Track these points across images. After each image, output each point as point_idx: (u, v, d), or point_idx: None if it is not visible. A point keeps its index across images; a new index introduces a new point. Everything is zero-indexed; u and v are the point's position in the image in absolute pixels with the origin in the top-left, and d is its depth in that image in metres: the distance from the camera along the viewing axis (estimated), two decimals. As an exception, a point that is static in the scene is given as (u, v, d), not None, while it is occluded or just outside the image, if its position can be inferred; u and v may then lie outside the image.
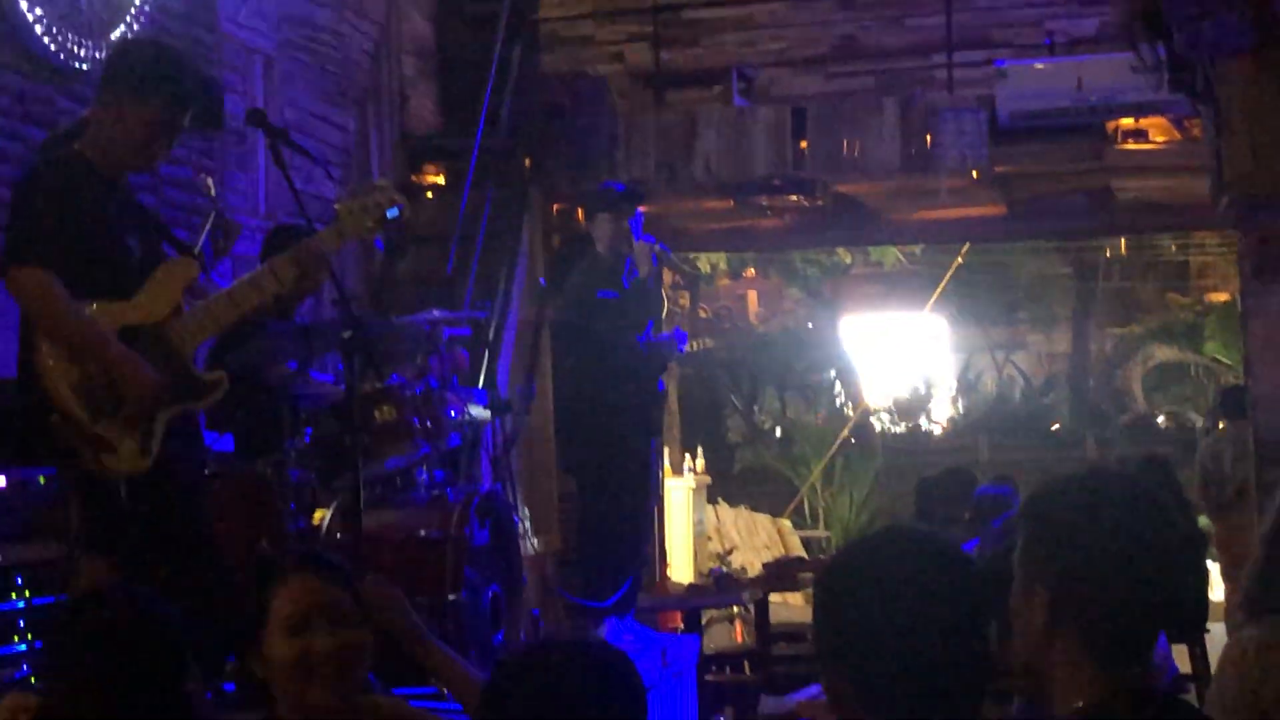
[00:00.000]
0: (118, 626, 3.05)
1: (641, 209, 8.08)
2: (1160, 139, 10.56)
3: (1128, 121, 10.46)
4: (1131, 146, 10.59)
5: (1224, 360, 20.17)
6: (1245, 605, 4.04)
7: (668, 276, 8.30)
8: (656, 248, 7.93)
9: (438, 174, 10.81)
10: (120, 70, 5.04)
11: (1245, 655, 3.87)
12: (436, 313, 7.20)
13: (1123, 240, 20.43)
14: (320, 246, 5.16)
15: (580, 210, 11.56)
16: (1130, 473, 2.84)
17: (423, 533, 6.29)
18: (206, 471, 5.58)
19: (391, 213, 5.43)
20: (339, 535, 6.15)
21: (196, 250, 5.30)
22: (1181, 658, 8.46)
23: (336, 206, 5.45)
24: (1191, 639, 8.81)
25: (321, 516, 6.26)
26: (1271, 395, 9.49)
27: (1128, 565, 2.51)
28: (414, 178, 10.58)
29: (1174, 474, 8.67)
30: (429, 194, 10.62)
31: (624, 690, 2.51)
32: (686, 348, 8.49)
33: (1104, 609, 2.51)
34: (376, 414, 6.38)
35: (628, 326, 7.78)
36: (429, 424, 6.58)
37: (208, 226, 5.62)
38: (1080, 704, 2.53)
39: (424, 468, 6.84)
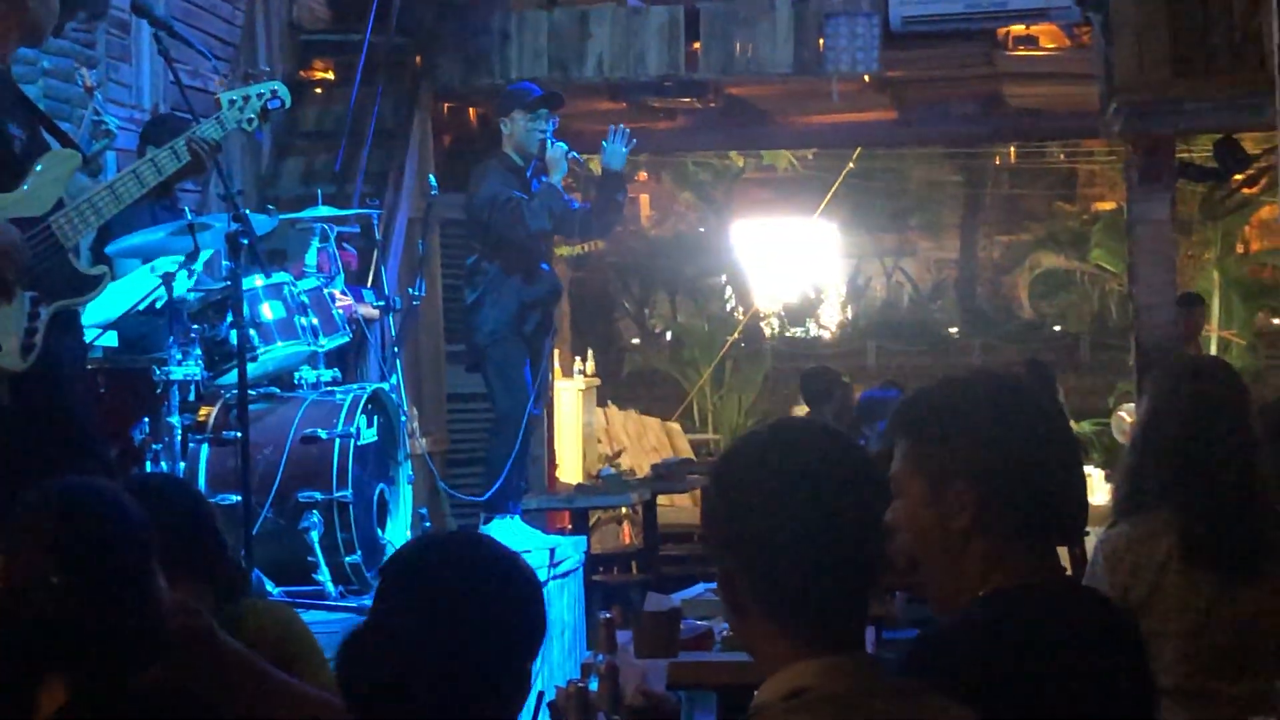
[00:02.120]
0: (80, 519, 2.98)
1: (555, 113, 7.97)
2: (1050, 46, 10.62)
3: (1019, 28, 10.51)
4: (1022, 53, 10.64)
5: (1109, 268, 20.41)
6: (1117, 505, 4.12)
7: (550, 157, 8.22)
8: (569, 154, 7.82)
9: (326, 70, 10.67)
10: None
11: (1116, 551, 3.95)
12: (324, 210, 7.13)
13: (1012, 148, 20.59)
14: (203, 138, 5.08)
15: (472, 110, 11.48)
16: (1017, 377, 2.87)
17: (310, 430, 6.26)
18: (90, 367, 5.52)
19: (274, 105, 5.36)
20: (225, 432, 6.11)
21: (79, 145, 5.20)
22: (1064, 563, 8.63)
23: (218, 97, 5.37)
24: (1072, 540, 8.98)
25: (208, 413, 6.21)
26: (1153, 302, 9.65)
27: (1042, 463, 2.56)
28: (302, 73, 10.44)
29: (1053, 379, 8.80)
30: (318, 90, 10.49)
31: (513, 582, 2.51)
32: (578, 250, 8.45)
33: (1028, 505, 2.55)
34: (264, 310, 6.33)
35: (539, 227, 7.70)
36: (316, 322, 6.54)
37: (87, 119, 5.53)
38: (992, 586, 2.56)
39: (311, 366, 6.80)
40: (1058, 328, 22.54)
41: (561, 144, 7.82)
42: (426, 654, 2.41)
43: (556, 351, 13.22)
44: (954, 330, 22.85)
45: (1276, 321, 21.53)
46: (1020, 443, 2.56)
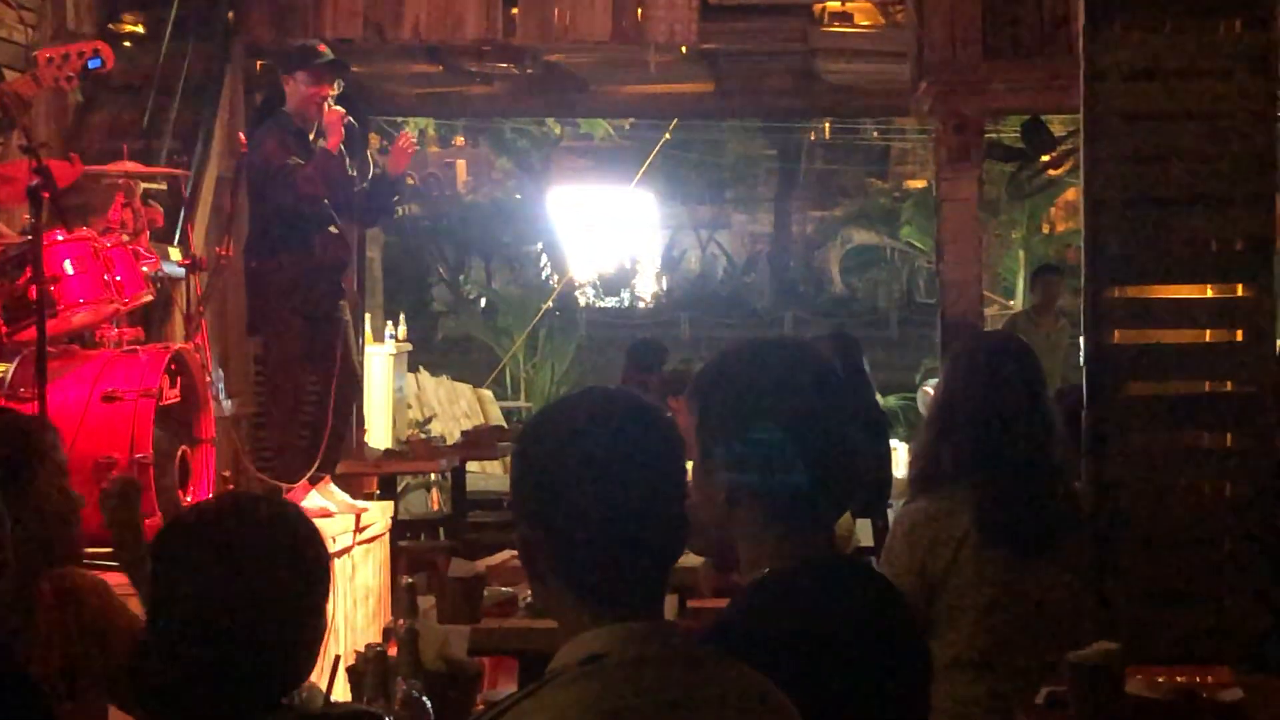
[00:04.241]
0: None
1: (341, 79, 7.76)
2: (865, 23, 10.75)
3: (834, 4, 10.62)
4: (837, 29, 10.76)
5: (918, 245, 20.76)
6: (914, 480, 4.19)
7: (375, 140, 8.10)
8: (347, 118, 7.59)
9: (136, 23, 10.44)
10: None
11: (914, 526, 4.02)
12: (130, 165, 6.99)
13: (827, 124, 20.82)
14: (12, 91, 4.96)
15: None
16: (807, 343, 2.88)
17: (111, 389, 6.14)
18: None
19: (94, 63, 5.26)
20: (22, 390, 5.98)
21: None
22: (865, 533, 8.76)
23: (35, 55, 5.25)
24: (874, 513, 9.12)
25: (4, 370, 6.07)
26: (959, 278, 9.83)
27: (802, 433, 2.56)
28: (111, 25, 10.21)
29: (859, 351, 8.91)
30: (126, 43, 10.26)
31: (295, 546, 2.53)
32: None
33: (783, 478, 2.56)
34: (66, 265, 6.19)
35: (314, 195, 7.45)
36: (120, 279, 6.41)
37: None
38: (766, 569, 2.58)
39: (114, 324, 6.67)
40: (868, 304, 22.85)
41: (339, 108, 7.58)
42: (203, 622, 2.43)
43: (368, 316, 13.12)
44: (766, 303, 23.06)
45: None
46: (783, 413, 2.56)
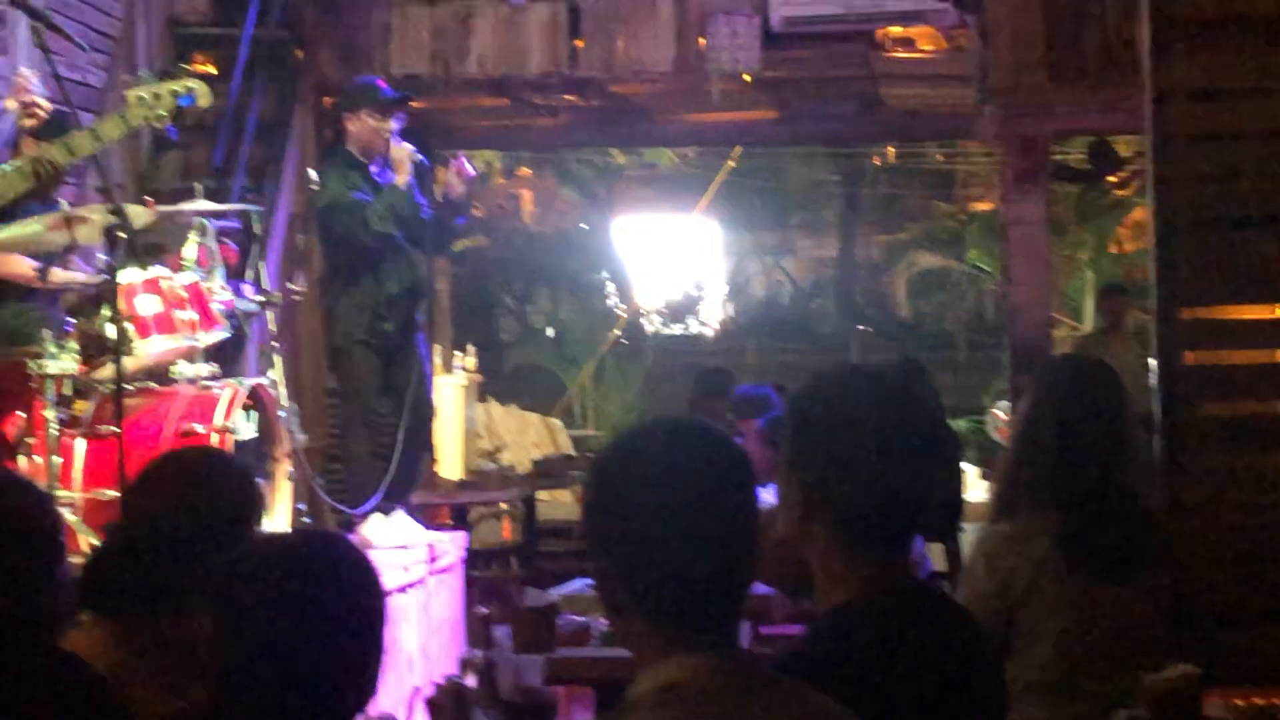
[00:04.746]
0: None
1: (404, 113, 7.80)
2: (928, 48, 10.75)
3: (897, 30, 10.63)
4: (900, 54, 10.77)
5: (985, 268, 20.66)
6: (995, 503, 4.19)
7: (440, 174, 8.12)
8: (417, 156, 7.62)
9: (206, 64, 10.57)
10: None
11: (994, 550, 4.01)
12: (204, 204, 7.08)
13: (891, 148, 20.76)
14: (57, 160, 5.01)
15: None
16: (886, 373, 2.89)
17: (187, 425, 6.22)
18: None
19: (186, 101, 5.33)
20: (100, 427, 6.06)
21: None
22: (939, 559, 8.73)
23: (126, 94, 5.33)
24: (946, 537, 9.09)
25: (84, 408, 6.15)
26: (1027, 301, 9.81)
27: (879, 460, 2.58)
28: (181, 65, 10.34)
29: (928, 377, 8.89)
30: (197, 77, 10.39)
31: (350, 589, 2.55)
32: (459, 245, 8.27)
33: (857, 502, 2.58)
34: (142, 304, 6.28)
35: (383, 230, 7.48)
36: (195, 316, 6.50)
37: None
38: (842, 597, 2.60)
39: (190, 360, 6.75)
40: (935, 327, 22.75)
41: (407, 144, 7.60)
42: (273, 663, 2.46)
43: (438, 348, 13.18)
44: (832, 328, 23.01)
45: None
46: (859, 441, 2.59)
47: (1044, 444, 4.03)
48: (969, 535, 8.15)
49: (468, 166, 7.79)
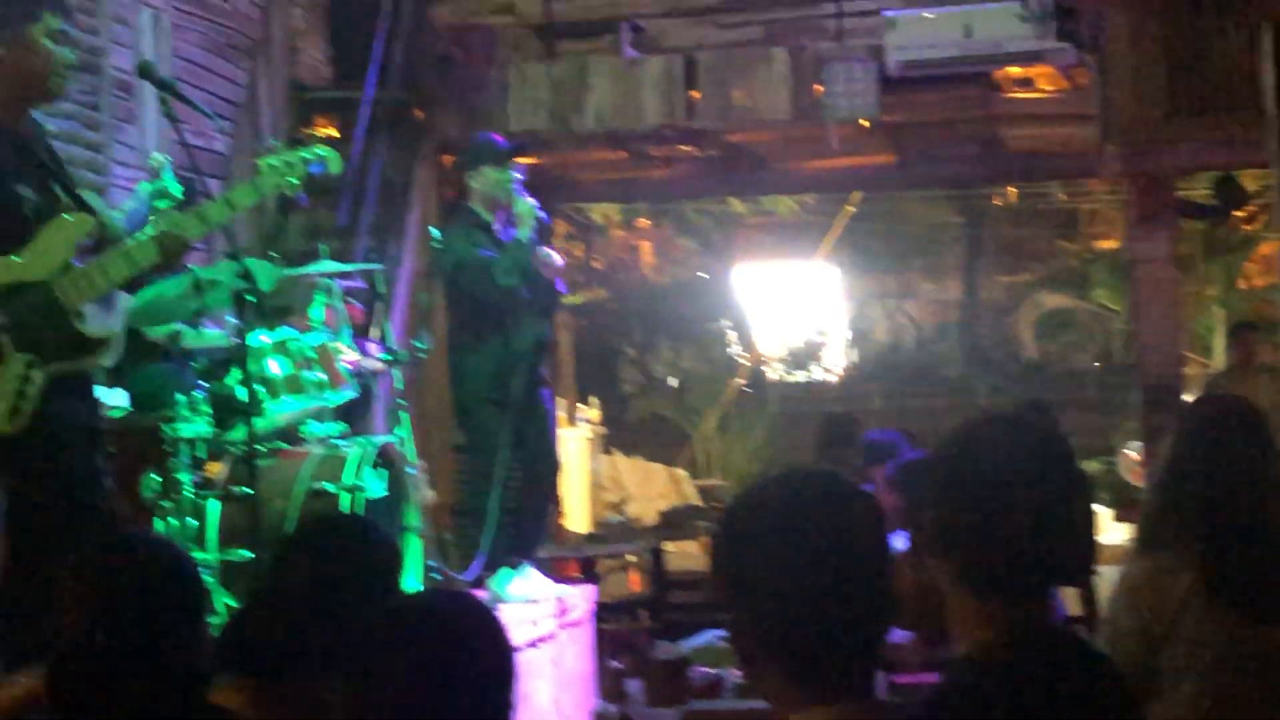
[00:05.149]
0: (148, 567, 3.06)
1: (524, 163, 7.86)
2: (1047, 88, 10.67)
3: (1016, 70, 10.56)
4: (1019, 95, 10.70)
5: (1111, 307, 20.45)
6: (1139, 541, 4.14)
7: (562, 227, 8.18)
8: (539, 214, 7.66)
9: (329, 126, 10.73)
10: None
11: (1138, 586, 3.96)
12: (329, 265, 7.16)
13: (1012, 189, 20.63)
14: (181, 236, 5.09)
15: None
16: (1020, 418, 2.87)
17: (318, 485, 6.28)
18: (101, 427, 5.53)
19: (317, 169, 5.42)
20: (233, 488, 6.13)
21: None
22: (1073, 603, 8.61)
23: (258, 161, 5.41)
24: (1081, 581, 8.95)
25: (217, 469, 6.23)
26: (1156, 339, 9.69)
27: (1015, 505, 2.55)
28: (305, 130, 10.50)
29: (1055, 419, 8.76)
30: (323, 144, 10.55)
31: (481, 647, 2.55)
32: (580, 298, 8.30)
33: (993, 548, 2.55)
34: (271, 365, 6.37)
35: (505, 286, 7.52)
36: (323, 376, 6.57)
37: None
38: (977, 643, 2.57)
39: (319, 420, 6.82)
40: (1063, 368, 22.53)
41: (531, 200, 7.66)
42: (400, 716, 2.46)
43: (561, 401, 13.23)
44: (958, 371, 22.86)
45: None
46: (993, 486, 2.56)
47: (1190, 483, 3.99)
48: (1104, 578, 8.04)
49: (556, 257, 7.82)
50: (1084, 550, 2.72)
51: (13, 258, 4.81)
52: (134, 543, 3.20)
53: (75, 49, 4.97)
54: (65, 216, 4.93)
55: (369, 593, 3.24)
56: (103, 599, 3.05)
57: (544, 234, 7.80)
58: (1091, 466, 16.38)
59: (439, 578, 7.18)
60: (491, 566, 7.46)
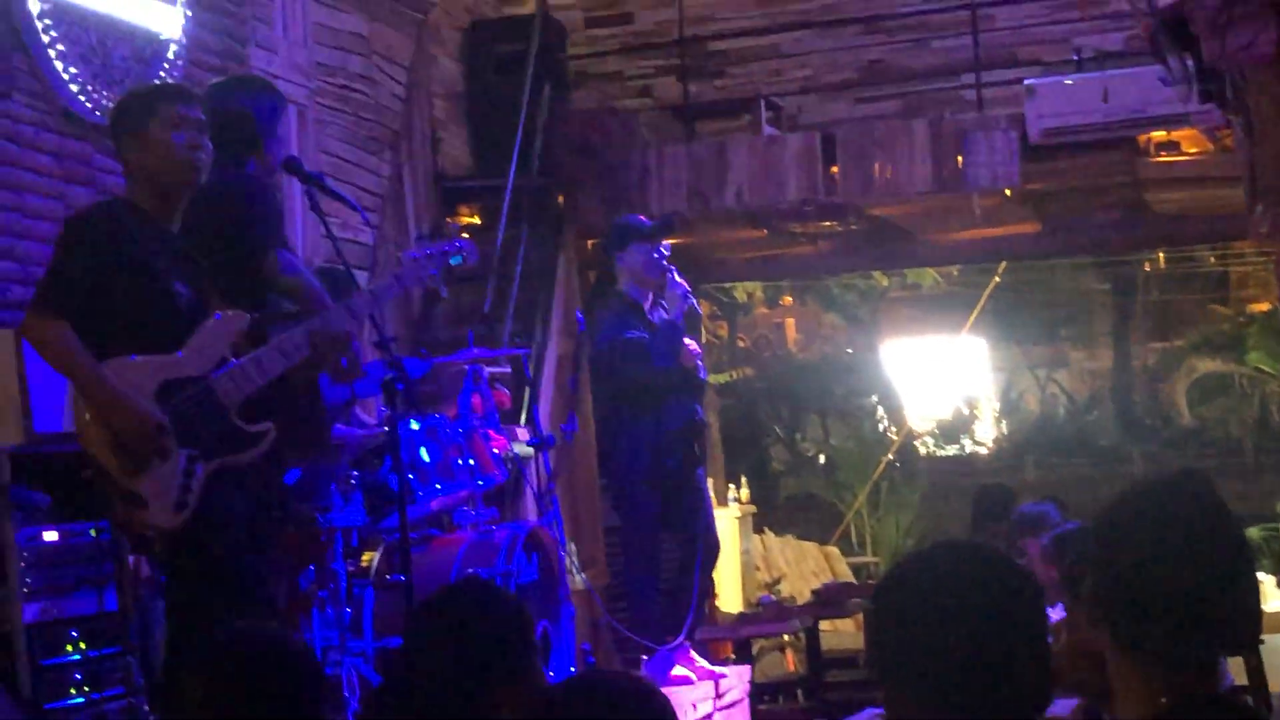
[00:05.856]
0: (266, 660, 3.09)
1: (669, 240, 7.88)
2: (1193, 150, 10.53)
3: (1159, 134, 10.44)
4: (1164, 159, 10.57)
5: (1268, 370, 20.06)
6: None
7: (705, 307, 8.19)
8: (689, 301, 7.66)
9: (472, 214, 10.86)
10: (114, 118, 5.12)
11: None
12: (475, 351, 7.22)
13: (1160, 253, 20.37)
14: (324, 331, 5.15)
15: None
16: (1173, 483, 2.83)
17: (471, 571, 6.31)
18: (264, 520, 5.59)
19: (456, 260, 5.50)
20: (388, 576, 6.18)
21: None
22: (1238, 672, 8.41)
23: (400, 255, 5.50)
24: (1246, 650, 8.76)
25: (371, 558, 6.29)
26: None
27: (1180, 575, 2.51)
28: (449, 219, 10.64)
29: (1213, 486, 8.59)
30: (464, 235, 10.68)
31: None
32: (726, 377, 8.31)
33: (1158, 618, 2.51)
34: (422, 453, 6.43)
35: (659, 367, 7.52)
36: (473, 462, 6.62)
37: None
38: (1143, 713, 2.53)
39: (469, 506, 6.87)
40: (1219, 434, 22.13)
41: (682, 282, 7.68)
42: None
43: (711, 481, 13.21)
44: (1107, 441, 22.54)
45: None
46: (1158, 556, 2.52)
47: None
48: (1271, 648, 7.85)
49: (693, 344, 7.81)
50: (1249, 619, 2.67)
51: (169, 355, 4.90)
52: (247, 640, 3.21)
53: (204, 128, 5.03)
54: (222, 314, 5.01)
55: (500, 663, 3.22)
56: (214, 696, 3.07)
57: (693, 320, 7.81)
58: (1252, 534, 16.04)
59: (593, 660, 7.18)
60: (648, 648, 7.44)
